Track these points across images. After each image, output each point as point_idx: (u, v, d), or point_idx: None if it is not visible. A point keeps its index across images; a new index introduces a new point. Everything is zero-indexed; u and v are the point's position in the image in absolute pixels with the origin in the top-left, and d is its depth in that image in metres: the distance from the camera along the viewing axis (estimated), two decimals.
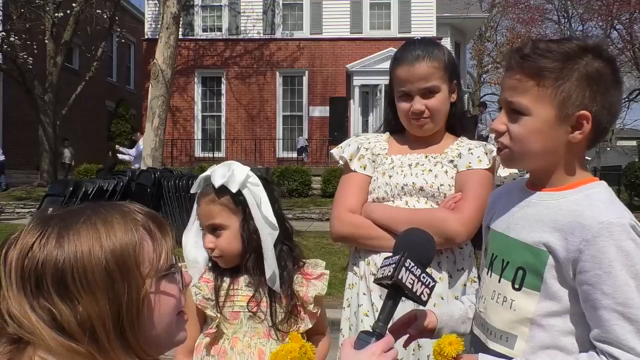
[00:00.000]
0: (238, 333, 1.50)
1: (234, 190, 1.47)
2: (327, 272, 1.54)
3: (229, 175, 1.48)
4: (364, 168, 1.80)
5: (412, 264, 1.07)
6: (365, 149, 1.83)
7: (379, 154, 1.81)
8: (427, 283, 1.09)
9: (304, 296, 1.50)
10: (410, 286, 1.06)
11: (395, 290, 1.08)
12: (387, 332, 1.06)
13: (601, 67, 1.09)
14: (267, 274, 1.46)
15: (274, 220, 1.48)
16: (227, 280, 1.52)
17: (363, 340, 1.04)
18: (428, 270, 1.12)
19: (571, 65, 1.08)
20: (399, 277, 1.05)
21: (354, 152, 1.83)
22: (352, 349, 1.03)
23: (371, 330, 1.05)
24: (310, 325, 1.52)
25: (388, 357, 1.02)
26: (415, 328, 1.29)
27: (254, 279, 1.49)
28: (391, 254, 1.63)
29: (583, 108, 1.08)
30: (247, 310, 1.49)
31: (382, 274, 1.10)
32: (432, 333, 1.32)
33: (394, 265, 1.07)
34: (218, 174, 1.49)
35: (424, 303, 1.10)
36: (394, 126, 1.87)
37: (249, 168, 1.54)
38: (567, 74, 1.08)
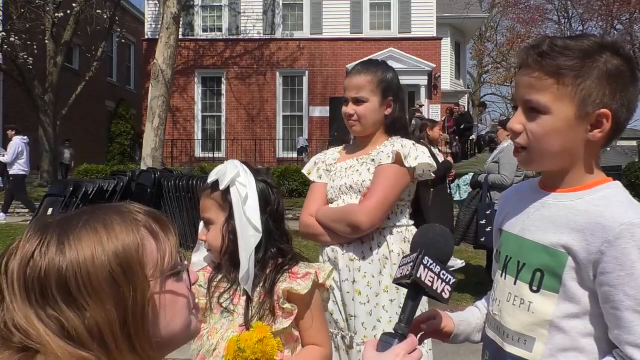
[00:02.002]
0: (217, 324, 1.52)
1: (221, 186, 1.50)
2: (313, 272, 1.51)
3: (222, 172, 1.52)
4: (320, 177, 2.20)
5: (431, 261, 1.05)
6: (322, 162, 2.23)
7: (331, 164, 2.20)
8: (447, 280, 1.06)
9: (276, 291, 1.48)
10: (429, 284, 1.04)
11: (414, 289, 1.05)
12: (409, 332, 1.03)
13: (620, 64, 1.08)
14: (240, 274, 1.47)
15: (257, 223, 1.49)
16: (222, 273, 1.55)
17: (385, 342, 1.02)
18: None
19: (590, 62, 1.07)
20: (418, 275, 1.02)
21: (312, 166, 2.25)
22: (375, 351, 1.01)
23: (393, 332, 1.03)
24: (285, 325, 1.46)
25: (412, 358, 1.00)
26: (430, 326, 1.28)
27: (230, 275, 1.52)
28: (341, 243, 1.97)
29: (603, 106, 1.07)
30: (217, 302, 1.52)
31: (401, 273, 1.07)
32: (447, 337, 1.31)
33: (411, 264, 1.04)
34: (214, 170, 1.55)
35: (446, 301, 1.07)
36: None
37: (247, 168, 1.55)
38: (587, 72, 1.07)
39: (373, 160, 2.04)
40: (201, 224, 1.59)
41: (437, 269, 1.05)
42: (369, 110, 2.06)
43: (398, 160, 1.97)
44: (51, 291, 0.76)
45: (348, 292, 1.99)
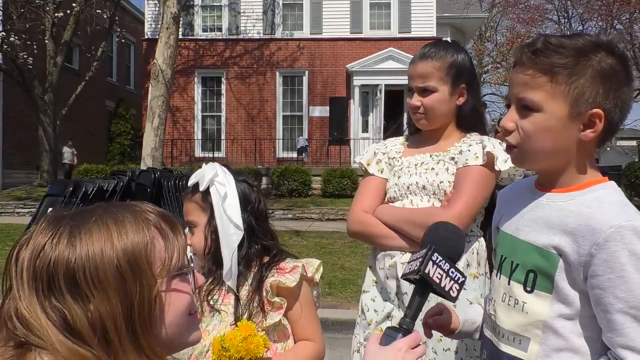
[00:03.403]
0: (209, 326, 1.53)
1: (201, 188, 1.53)
2: (300, 265, 1.53)
3: (201, 174, 1.54)
4: (381, 172, 1.92)
5: (440, 258, 1.04)
6: (383, 154, 1.95)
7: (394, 157, 1.92)
8: (456, 278, 1.05)
9: (265, 285, 1.49)
10: (438, 281, 1.03)
11: (422, 286, 1.05)
12: (414, 328, 1.03)
13: (614, 64, 1.07)
14: (224, 271, 1.50)
15: (238, 220, 1.51)
16: (212, 271, 1.56)
17: (389, 336, 1.01)
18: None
19: (585, 61, 1.06)
20: (426, 271, 1.02)
21: (371, 157, 1.96)
22: (377, 344, 1.01)
23: (398, 326, 1.02)
24: (276, 319, 1.47)
25: (415, 354, 0.99)
26: (436, 321, 1.28)
27: (215, 275, 1.54)
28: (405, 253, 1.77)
29: (596, 105, 1.06)
30: (207, 304, 1.53)
31: (409, 268, 1.06)
32: (451, 333, 1.32)
33: (420, 259, 1.04)
34: (194, 173, 1.57)
35: (454, 299, 1.07)
36: (414, 127, 1.97)
37: (227, 169, 1.58)
38: (581, 70, 1.06)
39: (453, 159, 1.79)
40: (187, 229, 1.61)
41: (446, 266, 1.04)
42: (437, 102, 1.79)
43: (489, 162, 1.72)
44: (58, 282, 0.77)
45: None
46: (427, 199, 1.77)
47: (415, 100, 1.81)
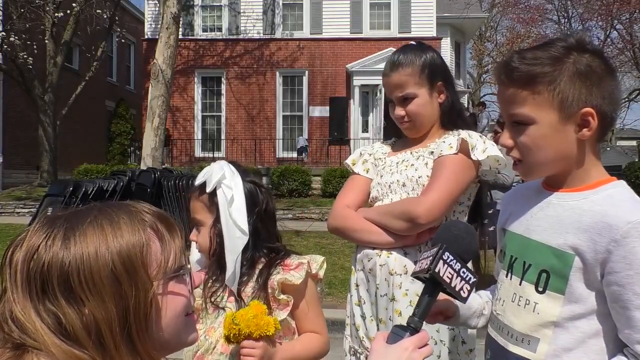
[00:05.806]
0: (214, 323, 1.52)
1: (208, 189, 1.51)
2: (305, 262, 1.52)
3: (208, 174, 1.53)
4: (367, 171, 1.93)
5: (451, 257, 1.02)
6: (369, 154, 1.97)
7: (380, 158, 1.94)
8: (467, 279, 1.03)
9: (271, 283, 1.49)
10: (448, 281, 1.01)
11: (432, 285, 1.03)
12: (422, 327, 1.01)
13: (589, 61, 1.10)
14: (227, 275, 1.49)
15: (244, 225, 1.49)
16: (217, 274, 1.56)
17: (396, 334, 0.99)
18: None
19: (560, 66, 1.09)
20: (436, 270, 1.00)
21: (357, 157, 2.00)
22: (384, 342, 1.00)
23: (406, 325, 1.01)
24: (282, 317, 1.47)
25: (421, 353, 0.97)
26: (433, 307, 1.28)
27: (218, 276, 1.53)
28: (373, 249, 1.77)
29: (584, 104, 1.08)
30: (212, 302, 1.53)
31: (420, 267, 1.05)
32: (447, 319, 1.32)
33: (431, 258, 1.02)
34: (202, 172, 1.56)
35: (464, 300, 1.05)
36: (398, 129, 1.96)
37: (235, 168, 1.56)
38: (558, 76, 1.09)
39: (432, 153, 1.77)
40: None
41: (457, 266, 1.02)
42: (420, 106, 1.78)
43: (464, 149, 1.70)
44: (52, 285, 0.76)
45: (386, 309, 1.72)
46: (406, 196, 1.76)
47: (399, 110, 1.81)
